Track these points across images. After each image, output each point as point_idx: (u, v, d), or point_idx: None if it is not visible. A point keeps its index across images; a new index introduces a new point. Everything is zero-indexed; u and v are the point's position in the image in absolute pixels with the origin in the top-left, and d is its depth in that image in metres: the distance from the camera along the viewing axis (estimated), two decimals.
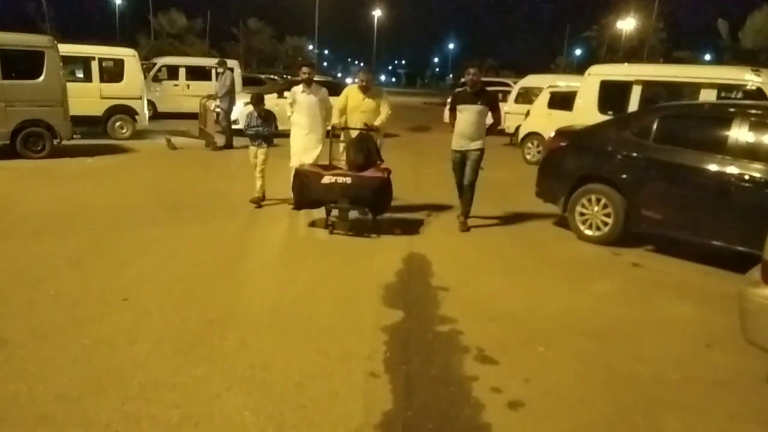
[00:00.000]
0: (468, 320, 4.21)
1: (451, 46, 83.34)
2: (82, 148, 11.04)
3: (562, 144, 6.90)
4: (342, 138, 6.96)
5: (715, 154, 5.51)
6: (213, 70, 19.17)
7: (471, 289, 4.88)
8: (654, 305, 4.79)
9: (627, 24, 43.62)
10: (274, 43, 62.56)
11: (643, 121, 6.32)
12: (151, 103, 16.12)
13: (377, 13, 65.31)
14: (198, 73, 18.88)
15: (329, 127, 7.12)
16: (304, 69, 7.11)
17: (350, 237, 6.12)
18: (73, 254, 5.23)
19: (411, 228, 6.66)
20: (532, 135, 12.94)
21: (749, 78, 8.25)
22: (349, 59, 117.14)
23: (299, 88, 7.12)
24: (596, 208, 6.38)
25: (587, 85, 9.87)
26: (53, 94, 10.19)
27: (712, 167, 5.48)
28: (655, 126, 6.05)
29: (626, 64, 12.56)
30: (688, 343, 4.09)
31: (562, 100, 11.93)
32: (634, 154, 6.10)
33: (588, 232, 6.48)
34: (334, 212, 6.16)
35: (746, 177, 5.26)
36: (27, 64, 10.10)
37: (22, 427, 2.75)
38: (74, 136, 10.83)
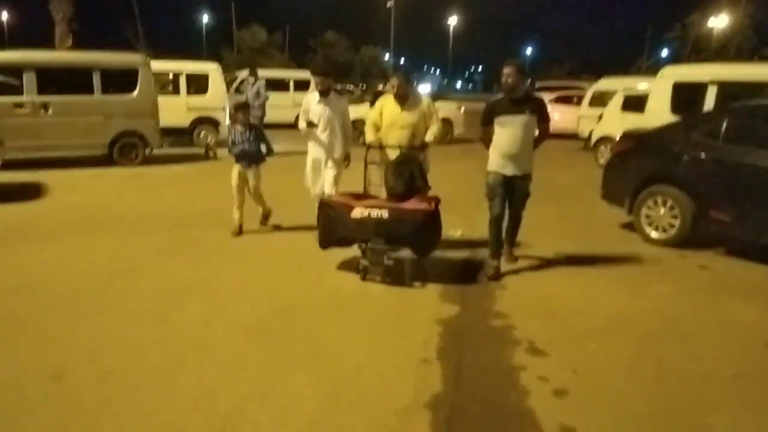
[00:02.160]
0: (522, 316, 4.35)
1: (528, 50, 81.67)
2: (170, 156, 11.92)
3: (628, 146, 6.86)
4: (379, 160, 5.56)
5: None
6: (291, 81, 20.26)
7: (529, 289, 4.99)
8: (716, 306, 4.73)
9: (719, 21, 41.32)
10: (351, 53, 63.98)
11: (711, 122, 6.19)
12: None
13: (453, 19, 65.43)
14: (276, 85, 19.79)
15: (360, 145, 5.79)
16: (316, 78, 6.01)
17: (386, 286, 4.89)
18: (161, 250, 5.77)
19: (465, 271, 5.38)
20: (605, 138, 12.70)
21: None
22: (425, 66, 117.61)
23: (314, 96, 5.94)
24: (662, 210, 6.31)
25: (660, 87, 9.65)
26: (146, 108, 11.08)
27: None
28: (724, 126, 5.93)
29: (700, 64, 12.07)
30: (747, 344, 4.05)
31: (636, 103, 11.64)
32: (702, 155, 5.99)
33: (654, 235, 6.41)
34: (368, 254, 4.89)
35: None
36: (123, 80, 11.04)
37: (117, 393, 3.18)
38: (163, 145, 11.73)
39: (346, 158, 6.04)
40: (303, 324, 4.14)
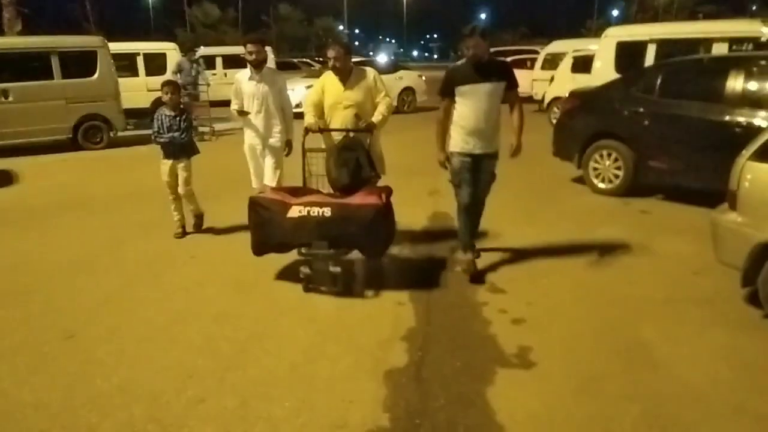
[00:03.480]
0: (483, 262, 4.85)
1: (483, 16, 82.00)
2: (134, 138, 12.01)
3: (575, 104, 7.40)
4: (324, 146, 4.87)
5: (713, 103, 5.94)
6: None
7: (489, 239, 5.47)
8: (652, 243, 5.32)
9: None
10: (305, 26, 63.29)
11: (647, 78, 6.77)
12: None
13: None
14: (234, 62, 19.73)
15: (302, 131, 4.80)
16: (249, 47, 5.05)
17: (334, 297, 4.22)
18: (142, 225, 6.08)
19: (429, 273, 4.64)
20: (557, 99, 13.30)
21: (760, 30, 8.50)
22: (381, 37, 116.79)
23: (245, 73, 5.24)
24: (608, 163, 6.90)
25: (604, 47, 10.22)
26: (108, 90, 11.15)
27: (712, 116, 5.91)
28: (658, 82, 6.50)
29: (641, 24, 12.73)
30: (678, 271, 4.66)
31: (585, 64, 12.22)
32: (640, 110, 6.56)
33: (601, 185, 7.00)
34: (308, 264, 4.22)
35: (743, 123, 5.67)
36: (82, 64, 11.06)
37: (127, 345, 3.57)
38: (128, 127, 11.81)
39: (287, 145, 5.32)
40: (289, 280, 4.55)
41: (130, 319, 3.91)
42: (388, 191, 4.34)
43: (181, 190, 5.55)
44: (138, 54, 14.42)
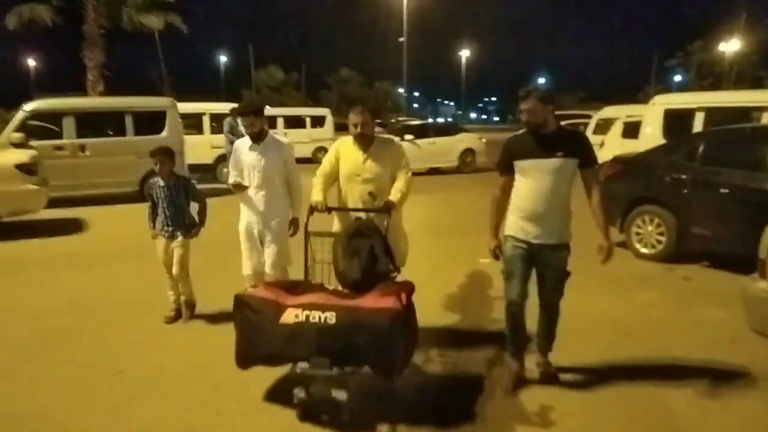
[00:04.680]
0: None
1: (541, 80, 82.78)
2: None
3: (618, 169, 7.46)
4: (335, 229, 4.15)
5: (755, 171, 5.92)
6: (307, 118, 21.22)
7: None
8: (691, 310, 5.25)
9: (730, 46, 41.77)
10: (365, 88, 65.61)
11: (689, 145, 6.80)
12: None
13: (465, 53, 66.94)
14: (294, 122, 20.80)
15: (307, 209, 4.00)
16: (242, 120, 4.59)
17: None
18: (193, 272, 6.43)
19: (464, 397, 3.70)
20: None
21: None
22: (439, 99, 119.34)
23: (245, 141, 4.63)
24: (650, 228, 6.87)
25: (652, 115, 10.26)
26: (174, 146, 11.83)
27: (753, 184, 5.88)
28: (700, 149, 6.53)
29: (689, 92, 12.71)
30: (714, 339, 4.58)
31: (635, 130, 12.24)
32: (682, 176, 6.57)
33: (644, 250, 6.96)
34: (307, 382, 3.31)
35: None
36: (153, 122, 11.95)
37: (169, 384, 3.82)
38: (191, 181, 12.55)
39: (293, 224, 4.61)
40: None
41: (173, 359, 4.19)
42: (409, 289, 3.47)
43: (174, 271, 4.92)
44: (204, 114, 15.43)
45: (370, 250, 3.60)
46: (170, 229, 4.92)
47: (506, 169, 3.72)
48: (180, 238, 4.93)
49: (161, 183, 4.88)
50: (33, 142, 10.36)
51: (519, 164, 3.62)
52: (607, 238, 3.62)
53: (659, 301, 5.52)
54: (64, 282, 6.30)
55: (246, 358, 3.38)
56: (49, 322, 5.05)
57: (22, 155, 8.80)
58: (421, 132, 17.80)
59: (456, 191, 11.83)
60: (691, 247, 6.59)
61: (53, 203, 9.67)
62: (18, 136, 10.41)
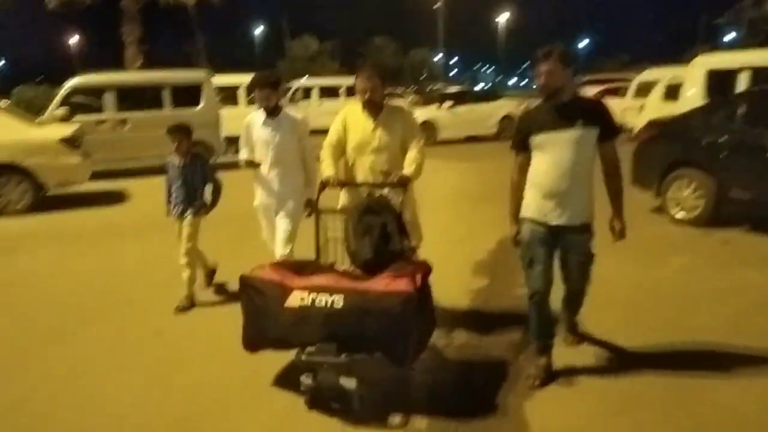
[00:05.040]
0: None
1: (583, 43, 79.67)
2: (234, 163, 12.92)
3: (654, 133, 7.29)
4: (342, 203, 3.98)
5: None
6: (341, 88, 21.22)
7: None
8: (728, 274, 5.16)
9: None
10: (400, 56, 64.86)
11: (730, 106, 6.58)
12: None
13: (503, 17, 65.35)
14: (328, 92, 20.84)
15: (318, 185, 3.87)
16: (257, 92, 4.24)
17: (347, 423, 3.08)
18: (228, 241, 6.59)
19: (485, 386, 3.44)
20: None
21: None
22: (477, 65, 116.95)
23: (257, 116, 4.37)
24: (687, 192, 6.72)
25: (694, 76, 9.90)
26: (210, 119, 12.17)
27: None
28: (741, 110, 6.32)
29: (733, 51, 12.10)
30: (745, 304, 4.51)
31: (678, 93, 11.86)
32: (722, 138, 6.38)
33: (680, 215, 6.82)
34: (312, 373, 3.14)
35: None
36: (189, 95, 12.18)
37: (205, 343, 4.00)
38: (228, 152, 12.82)
39: (308, 205, 4.23)
40: None
41: (211, 323, 4.43)
42: (425, 270, 3.27)
43: (182, 247, 4.74)
44: (239, 86, 15.58)
45: (382, 228, 3.38)
46: (180, 207, 4.78)
47: (522, 147, 3.41)
48: (189, 217, 4.76)
49: (176, 161, 4.77)
50: (76, 117, 10.73)
51: (535, 139, 3.30)
52: (620, 219, 3.42)
53: (694, 265, 5.44)
54: (107, 251, 6.57)
55: (253, 341, 3.28)
56: (95, 287, 5.31)
57: (66, 129, 9.13)
58: (459, 99, 17.62)
59: (493, 159, 11.69)
60: (730, 211, 6.43)
61: (96, 176, 10.03)
62: (62, 111, 10.80)
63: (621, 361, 3.65)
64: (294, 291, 3.10)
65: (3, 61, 55.50)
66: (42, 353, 4.04)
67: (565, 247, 3.40)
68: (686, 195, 6.74)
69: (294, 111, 4.52)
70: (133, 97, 12.02)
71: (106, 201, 9.37)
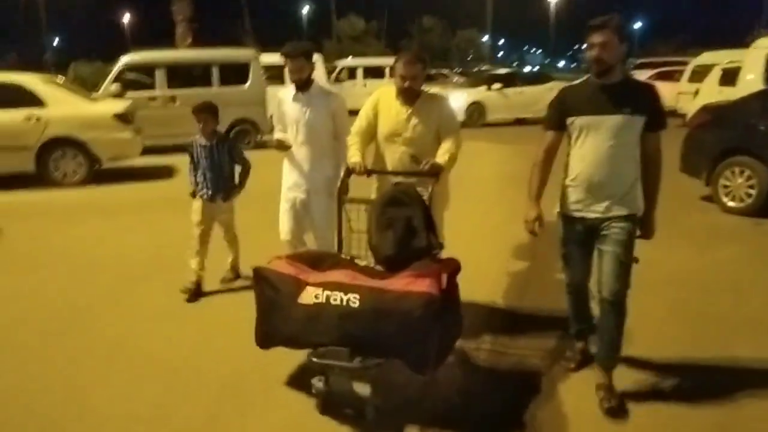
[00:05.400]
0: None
1: (635, 25, 76.70)
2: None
3: (706, 119, 7.05)
4: (375, 190, 3.74)
5: None
6: (387, 68, 21.15)
7: None
8: None
9: None
10: (448, 37, 64.06)
11: None
12: None
13: None
14: (373, 72, 20.83)
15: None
16: (289, 63, 3.89)
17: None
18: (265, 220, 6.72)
19: (519, 393, 3.17)
20: None
21: None
22: (526, 47, 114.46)
23: (288, 91, 4.09)
24: (739, 180, 6.51)
25: (753, 59, 9.52)
26: (257, 97, 12.36)
27: None
28: None
29: None
30: None
31: (735, 77, 11.41)
32: None
33: (731, 204, 6.62)
34: (324, 376, 2.92)
35: None
36: (237, 73, 12.39)
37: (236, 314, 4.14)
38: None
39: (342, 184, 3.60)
40: None
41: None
42: (452, 268, 3.01)
43: (225, 237, 4.74)
44: (285, 65, 15.75)
45: (407, 221, 3.10)
46: (209, 192, 4.56)
47: (556, 125, 3.09)
48: (221, 203, 4.61)
49: (202, 142, 4.55)
50: (128, 94, 11.07)
51: (575, 121, 2.97)
52: (652, 221, 3.07)
53: (742, 256, 5.29)
54: (157, 223, 6.81)
55: (265, 338, 3.03)
56: (144, 257, 5.54)
57: (120, 105, 9.43)
58: (508, 81, 17.38)
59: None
60: None
61: (147, 151, 10.35)
62: (115, 87, 11.14)
63: (662, 351, 3.60)
64: (308, 287, 2.87)
65: (58, 39, 57.30)
66: (92, 314, 4.28)
67: (604, 238, 2.99)
68: (738, 184, 6.52)
69: (330, 86, 4.27)
70: (182, 75, 12.30)
71: (157, 175, 9.68)
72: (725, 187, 6.68)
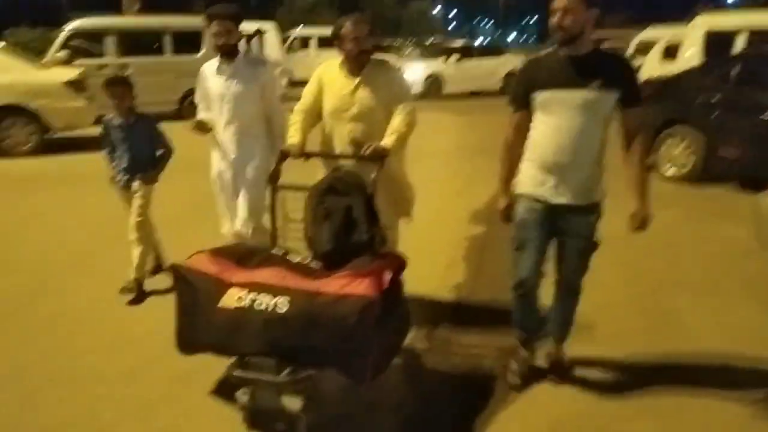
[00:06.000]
0: None
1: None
2: None
3: (648, 92, 7.46)
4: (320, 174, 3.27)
5: None
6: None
7: None
8: (708, 228, 5.50)
9: None
10: (400, 8, 63.63)
11: (723, 67, 6.80)
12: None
13: None
14: (328, 42, 20.67)
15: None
16: (215, 25, 3.47)
17: None
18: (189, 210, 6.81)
19: (462, 402, 2.94)
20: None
21: None
22: (477, 18, 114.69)
23: (212, 64, 3.69)
24: (679, 149, 6.98)
25: (693, 36, 10.01)
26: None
27: None
28: (735, 71, 6.52)
29: (732, 12, 12.09)
30: (725, 253, 4.84)
31: (676, 52, 11.95)
32: (717, 97, 6.59)
33: (671, 171, 7.10)
34: (248, 388, 2.52)
35: None
36: (190, 42, 12.13)
37: None
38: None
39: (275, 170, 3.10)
40: None
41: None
42: (396, 265, 2.70)
43: (131, 220, 4.02)
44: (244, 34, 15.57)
45: (345, 212, 2.75)
46: (125, 177, 4.06)
47: (522, 103, 2.81)
48: (138, 186, 4.04)
49: (116, 121, 4.01)
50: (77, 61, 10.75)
51: (539, 96, 2.72)
52: (643, 203, 2.87)
53: (677, 219, 5.71)
54: (110, 194, 6.75)
55: (186, 343, 2.65)
56: (95, 229, 5.53)
57: (71, 72, 9.20)
58: (465, 53, 17.65)
59: (496, 114, 11.83)
60: (718, 170, 6.70)
61: (99, 121, 10.11)
62: (63, 54, 10.80)
63: (609, 306, 3.93)
64: (231, 288, 2.51)
65: None
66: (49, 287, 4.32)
67: (564, 230, 2.84)
68: (678, 152, 6.99)
69: (283, 58, 3.69)
70: (134, 43, 12.01)
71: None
72: (666, 156, 7.14)
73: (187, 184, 5.72)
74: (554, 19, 2.59)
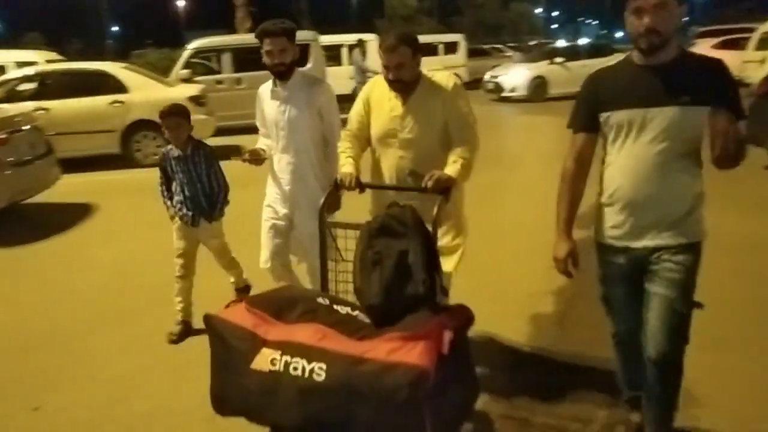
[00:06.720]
0: None
1: None
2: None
3: None
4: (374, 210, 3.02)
5: None
6: (439, 45, 21.19)
7: None
8: None
9: None
10: (501, 11, 62.78)
11: None
12: None
13: None
14: (426, 50, 20.94)
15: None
16: (267, 43, 3.17)
17: None
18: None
19: None
20: None
21: None
22: (580, 18, 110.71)
23: (267, 86, 3.42)
24: None
25: None
26: (318, 77, 12.78)
27: None
28: None
29: None
30: None
31: None
32: None
33: None
34: None
35: None
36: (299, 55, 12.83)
37: None
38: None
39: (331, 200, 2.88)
40: None
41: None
42: (459, 323, 2.29)
43: (219, 262, 4.04)
44: (342, 45, 16.14)
45: (399, 258, 2.31)
46: (190, 213, 3.84)
47: (585, 125, 2.36)
48: (206, 225, 3.90)
49: (175, 153, 3.83)
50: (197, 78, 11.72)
51: (611, 117, 2.23)
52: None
53: None
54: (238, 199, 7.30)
55: (220, 403, 2.35)
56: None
57: (193, 89, 10.05)
58: (571, 54, 17.27)
59: None
60: None
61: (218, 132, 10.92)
62: (186, 72, 11.80)
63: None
64: (264, 348, 2.18)
65: (117, 26, 59.23)
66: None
67: (651, 279, 2.28)
68: None
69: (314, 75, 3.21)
70: (247, 58, 12.82)
71: (226, 155, 10.19)
72: None
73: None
74: (643, 21, 2.07)
